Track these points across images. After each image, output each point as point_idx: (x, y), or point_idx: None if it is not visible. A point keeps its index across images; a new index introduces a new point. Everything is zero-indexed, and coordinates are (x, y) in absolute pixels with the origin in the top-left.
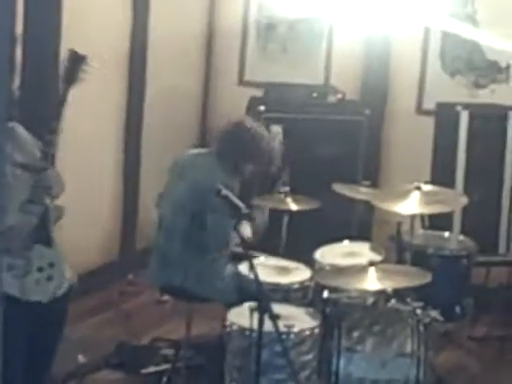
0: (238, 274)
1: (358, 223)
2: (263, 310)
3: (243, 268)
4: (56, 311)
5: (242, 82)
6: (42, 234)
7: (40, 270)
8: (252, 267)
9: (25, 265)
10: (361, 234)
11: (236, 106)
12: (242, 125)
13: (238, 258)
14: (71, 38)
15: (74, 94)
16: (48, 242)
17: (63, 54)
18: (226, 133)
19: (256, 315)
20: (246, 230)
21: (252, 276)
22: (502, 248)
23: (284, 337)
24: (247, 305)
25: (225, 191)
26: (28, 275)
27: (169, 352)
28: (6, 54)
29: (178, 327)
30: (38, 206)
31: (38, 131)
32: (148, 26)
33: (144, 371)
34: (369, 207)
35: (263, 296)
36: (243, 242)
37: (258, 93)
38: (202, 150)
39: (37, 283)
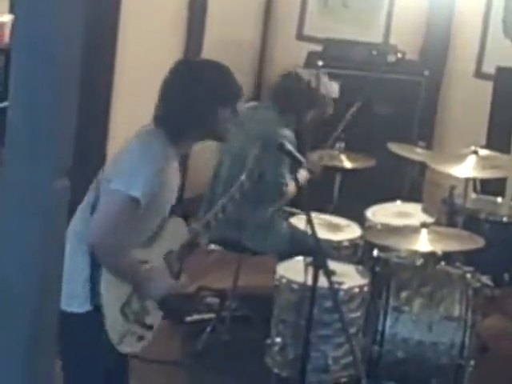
0: (293, 227)
1: (411, 184)
2: (319, 265)
3: (295, 220)
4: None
5: (300, 36)
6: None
7: (142, 325)
8: (310, 222)
9: (138, 310)
10: (413, 194)
11: (294, 61)
12: (296, 74)
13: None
14: None
15: (133, 41)
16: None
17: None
18: (282, 85)
19: (310, 270)
20: (303, 176)
21: (306, 230)
22: None
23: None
24: (298, 259)
25: (288, 146)
26: (134, 324)
27: (214, 301)
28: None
29: (225, 277)
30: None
31: None
32: None
33: (188, 319)
34: (422, 169)
35: (320, 251)
36: (299, 187)
37: (317, 48)
38: (260, 103)
39: (131, 336)
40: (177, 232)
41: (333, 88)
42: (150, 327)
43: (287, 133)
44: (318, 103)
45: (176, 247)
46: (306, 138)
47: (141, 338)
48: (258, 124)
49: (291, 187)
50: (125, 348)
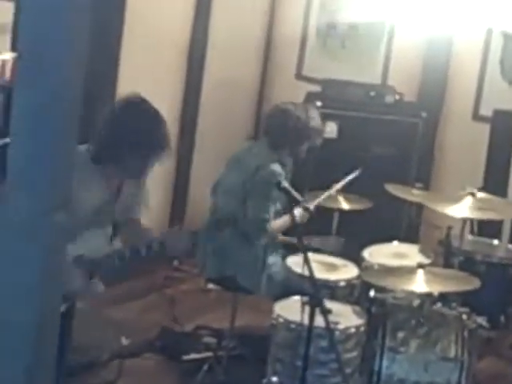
0: (287, 268)
1: (408, 225)
2: (315, 304)
3: (291, 261)
4: None
5: (299, 76)
6: None
7: None
8: (306, 260)
9: None
10: (409, 236)
11: (292, 100)
12: (284, 110)
13: (288, 250)
14: (134, 27)
15: (133, 78)
16: None
17: (125, 48)
18: (271, 120)
19: (307, 309)
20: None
21: (302, 271)
22: None
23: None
24: (295, 298)
25: (285, 183)
26: None
27: (211, 340)
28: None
29: (221, 317)
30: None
31: None
32: (210, 17)
33: (185, 358)
34: (419, 210)
35: (316, 290)
36: (296, 225)
37: (315, 88)
38: (257, 139)
39: None
40: (95, 243)
41: (330, 127)
42: None
43: (277, 168)
44: (309, 136)
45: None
46: (305, 180)
47: None
48: (251, 159)
49: (283, 221)
50: None
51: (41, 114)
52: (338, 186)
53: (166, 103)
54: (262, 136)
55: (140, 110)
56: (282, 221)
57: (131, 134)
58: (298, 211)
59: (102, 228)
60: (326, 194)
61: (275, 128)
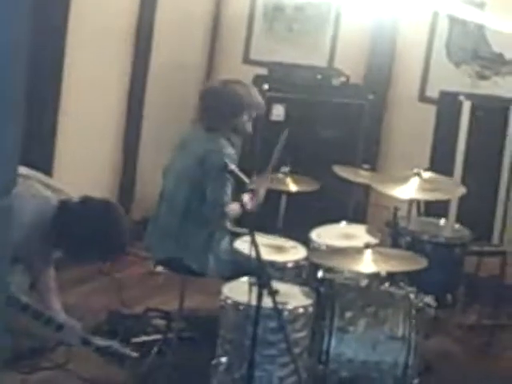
0: (235, 250)
1: (355, 206)
2: (263, 284)
3: (239, 244)
4: None
5: (246, 60)
6: None
7: None
8: (253, 242)
9: None
10: (357, 216)
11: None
12: (211, 86)
13: (235, 235)
14: (80, 11)
15: (80, 63)
16: None
17: (71, 31)
18: (205, 102)
19: (255, 290)
20: (247, 200)
21: (248, 252)
22: (495, 238)
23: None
24: (243, 279)
25: (231, 166)
26: None
27: (161, 323)
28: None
29: (171, 299)
30: None
31: None
32: (156, 1)
33: (135, 340)
34: (366, 191)
35: (263, 271)
36: (244, 211)
37: (263, 72)
38: (200, 124)
39: None
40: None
41: (277, 110)
42: None
43: (227, 150)
44: (243, 108)
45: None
46: (253, 161)
47: None
48: (197, 144)
49: (235, 207)
50: None
51: None
52: (274, 156)
53: (113, 88)
54: (199, 119)
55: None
56: (234, 206)
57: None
58: (246, 197)
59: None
60: (268, 169)
61: (207, 108)
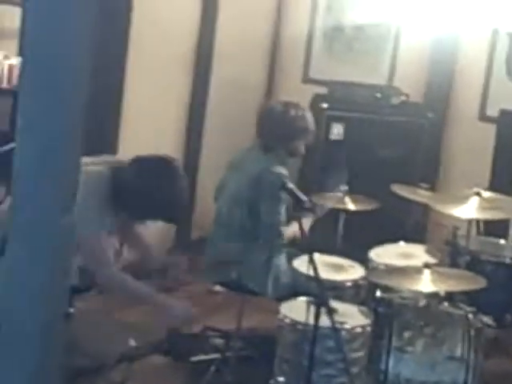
0: (293, 270)
1: (414, 225)
2: (320, 303)
3: (298, 263)
4: None
5: (306, 79)
6: None
7: None
8: (312, 262)
9: None
10: (416, 236)
11: (299, 103)
12: (271, 108)
13: (293, 254)
14: (141, 31)
15: (140, 90)
16: None
17: (131, 53)
18: (262, 122)
19: (312, 308)
20: (307, 224)
21: (307, 272)
22: None
23: (334, 332)
24: (301, 299)
25: (289, 184)
26: None
27: (219, 342)
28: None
29: (229, 318)
30: None
31: None
32: (216, 22)
33: (193, 359)
34: (425, 210)
35: (321, 291)
36: (303, 234)
37: (322, 91)
38: (255, 144)
39: None
40: None
41: (336, 129)
42: None
43: (282, 170)
44: (300, 132)
45: None
46: (312, 182)
47: None
48: (252, 164)
49: (293, 228)
50: None
51: (45, 117)
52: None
53: (174, 107)
54: (257, 138)
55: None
56: (292, 228)
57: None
58: (306, 222)
59: None
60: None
61: (265, 129)
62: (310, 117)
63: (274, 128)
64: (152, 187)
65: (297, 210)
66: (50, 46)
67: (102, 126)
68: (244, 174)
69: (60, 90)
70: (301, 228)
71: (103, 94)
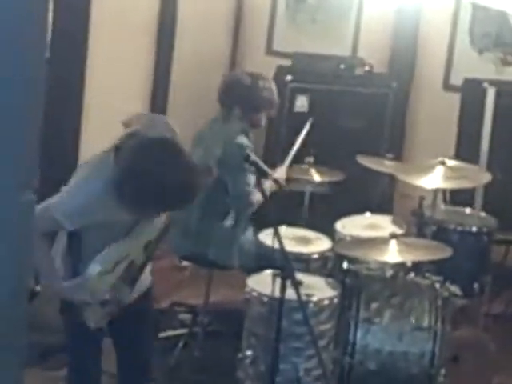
0: (259, 242)
1: (380, 196)
2: (286, 276)
3: (263, 236)
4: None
5: (269, 51)
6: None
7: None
8: (276, 234)
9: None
10: (382, 206)
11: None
12: (235, 78)
13: (259, 225)
14: (101, 8)
15: (103, 56)
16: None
17: (93, 26)
18: (225, 92)
19: (278, 281)
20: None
21: (272, 244)
22: None
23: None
24: (268, 272)
25: (253, 157)
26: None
27: (186, 317)
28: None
29: (196, 293)
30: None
31: None
32: None
33: (161, 335)
34: (391, 181)
35: (287, 263)
36: (277, 183)
37: (286, 63)
38: (219, 115)
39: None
40: (151, 224)
41: (301, 101)
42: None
43: (244, 141)
44: (261, 106)
45: (153, 237)
46: (277, 152)
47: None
48: (215, 137)
49: (257, 197)
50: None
51: (2, 89)
52: (297, 145)
53: (137, 84)
54: (220, 109)
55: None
56: (258, 196)
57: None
58: (267, 184)
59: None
60: (289, 158)
61: (231, 99)
62: (274, 88)
63: (241, 98)
64: (149, 173)
65: (260, 182)
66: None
67: (64, 98)
68: (207, 149)
69: (21, 56)
70: (262, 191)
71: (66, 67)
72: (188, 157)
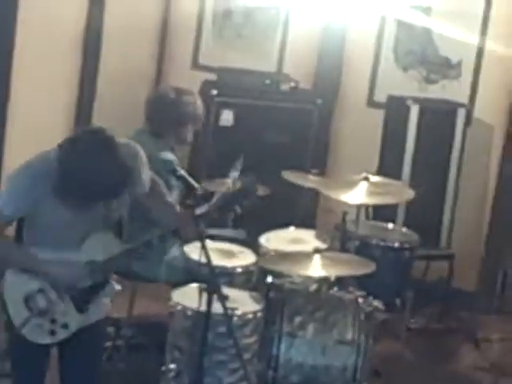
0: (185, 256)
1: (304, 211)
2: (212, 290)
3: (189, 249)
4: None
5: (195, 65)
6: (83, 298)
7: (52, 321)
8: (204, 248)
9: (43, 308)
10: (306, 221)
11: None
12: (161, 94)
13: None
14: (28, 18)
15: (28, 67)
16: (82, 308)
17: (19, 36)
18: (151, 107)
19: (204, 295)
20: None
21: (199, 258)
22: (443, 242)
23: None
24: (192, 285)
25: (181, 171)
26: (37, 317)
27: (110, 330)
28: None
29: (120, 306)
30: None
31: None
32: (104, 6)
33: None
34: (315, 196)
35: (213, 277)
36: (196, 220)
37: (212, 77)
38: (141, 128)
39: (37, 327)
40: (101, 245)
41: (226, 115)
42: (64, 326)
43: (169, 156)
44: (188, 121)
45: (99, 258)
46: (202, 170)
47: (52, 332)
48: (144, 147)
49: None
50: (32, 335)
51: None
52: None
53: (61, 96)
54: (144, 123)
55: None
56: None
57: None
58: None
59: (99, 233)
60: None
61: (155, 114)
62: (200, 103)
63: (166, 114)
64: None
65: (188, 198)
66: None
67: None
68: None
69: None
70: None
71: None
72: (118, 148)
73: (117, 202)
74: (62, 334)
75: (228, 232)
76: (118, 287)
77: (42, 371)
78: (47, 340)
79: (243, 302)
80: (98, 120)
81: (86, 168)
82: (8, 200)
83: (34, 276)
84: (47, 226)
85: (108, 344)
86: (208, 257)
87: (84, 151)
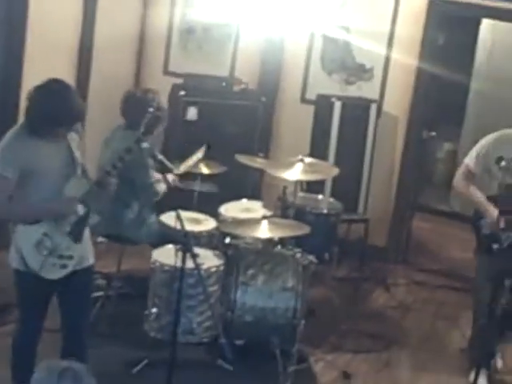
0: (161, 222)
1: (253, 186)
2: (186, 250)
3: (165, 218)
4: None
5: (166, 72)
6: (76, 229)
7: (60, 257)
8: (179, 217)
9: (51, 247)
10: (255, 194)
11: (161, 91)
12: (132, 93)
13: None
14: (35, 35)
15: (37, 75)
16: (78, 238)
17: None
18: (131, 106)
19: (179, 254)
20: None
21: (174, 224)
22: (360, 209)
23: (196, 271)
24: (169, 246)
25: (160, 156)
26: (49, 257)
27: (102, 282)
28: None
29: (111, 263)
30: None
31: None
32: (95, 21)
33: None
34: (262, 174)
35: (187, 239)
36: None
37: (179, 81)
38: (121, 124)
39: (52, 266)
40: (78, 184)
41: (192, 111)
42: (69, 257)
43: (145, 144)
44: (162, 120)
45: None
46: (173, 152)
47: (63, 266)
48: (119, 141)
49: (163, 188)
50: (48, 274)
51: None
52: (194, 160)
53: None
54: (122, 119)
55: (52, 90)
56: (162, 186)
57: (47, 111)
58: (170, 177)
59: (74, 178)
60: (188, 165)
61: (135, 112)
62: (161, 98)
63: (135, 109)
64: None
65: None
66: None
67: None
68: (114, 150)
69: None
70: (167, 181)
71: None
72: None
73: (75, 140)
74: (70, 265)
75: (203, 187)
76: (97, 218)
77: (47, 304)
78: (62, 273)
79: (208, 259)
80: (90, 118)
81: (52, 97)
82: (3, 164)
83: (38, 224)
84: (40, 174)
85: (101, 294)
86: (182, 222)
87: (49, 87)
